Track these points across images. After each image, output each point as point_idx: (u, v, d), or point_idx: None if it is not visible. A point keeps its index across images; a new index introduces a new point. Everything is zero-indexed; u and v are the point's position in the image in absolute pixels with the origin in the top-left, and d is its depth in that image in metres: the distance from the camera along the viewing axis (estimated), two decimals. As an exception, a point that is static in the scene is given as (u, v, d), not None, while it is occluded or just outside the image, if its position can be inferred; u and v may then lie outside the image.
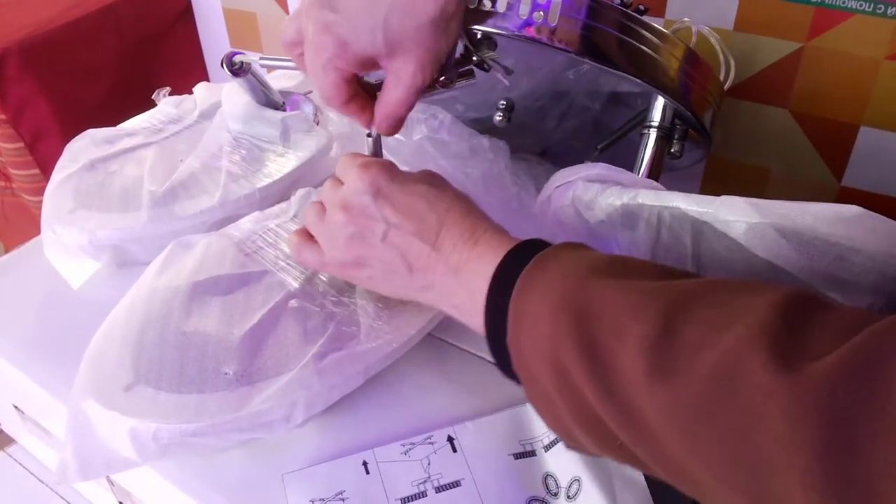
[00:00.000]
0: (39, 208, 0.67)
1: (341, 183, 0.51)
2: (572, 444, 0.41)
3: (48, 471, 0.77)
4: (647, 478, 0.47)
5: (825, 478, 0.27)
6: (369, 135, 0.52)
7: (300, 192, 0.65)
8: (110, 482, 0.61)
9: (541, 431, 0.50)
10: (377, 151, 0.54)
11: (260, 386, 0.49)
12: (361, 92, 0.49)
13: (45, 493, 0.75)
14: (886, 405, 0.26)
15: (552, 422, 0.41)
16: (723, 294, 0.34)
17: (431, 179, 0.50)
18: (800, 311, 0.31)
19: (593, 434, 0.37)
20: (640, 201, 0.51)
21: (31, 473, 0.77)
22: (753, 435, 0.29)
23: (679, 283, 0.36)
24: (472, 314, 0.44)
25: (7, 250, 1.14)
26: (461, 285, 0.45)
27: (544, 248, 0.42)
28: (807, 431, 0.27)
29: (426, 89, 0.48)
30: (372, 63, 0.46)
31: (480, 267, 0.44)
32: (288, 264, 0.58)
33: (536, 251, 0.42)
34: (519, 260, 0.42)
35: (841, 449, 0.27)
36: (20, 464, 0.78)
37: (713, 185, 0.92)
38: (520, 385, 0.42)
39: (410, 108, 0.48)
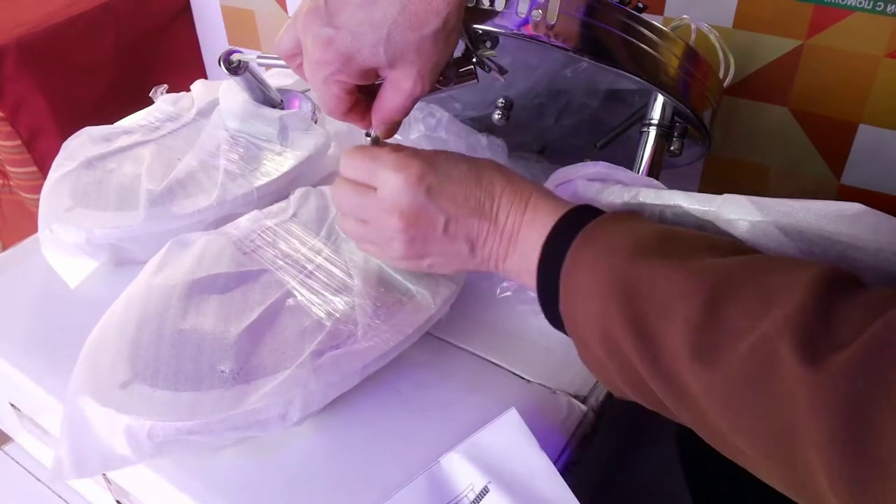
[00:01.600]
0: (37, 206, 0.67)
1: (369, 187, 0.50)
2: (621, 397, 0.45)
3: (45, 469, 0.77)
4: None
5: (843, 458, 0.30)
6: (368, 134, 0.52)
7: (299, 191, 0.65)
8: (107, 481, 0.61)
9: (464, 486, 0.46)
10: None
11: (256, 384, 0.48)
12: (361, 98, 0.49)
13: (42, 492, 0.75)
14: None
15: (604, 380, 0.45)
16: (763, 275, 0.37)
17: (459, 156, 0.51)
18: (831, 293, 0.34)
19: (642, 396, 0.42)
20: (642, 200, 0.50)
21: (28, 472, 0.77)
22: (785, 414, 0.32)
23: (723, 262, 0.38)
24: (524, 276, 0.48)
25: (4, 248, 1.14)
26: (514, 250, 0.48)
27: (592, 216, 0.45)
28: (827, 417, 0.30)
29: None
30: (374, 74, 0.46)
31: (531, 233, 0.47)
32: (286, 263, 0.58)
33: (585, 220, 0.45)
34: (568, 229, 0.45)
35: (857, 433, 0.30)
36: (17, 462, 0.78)
37: (712, 183, 0.92)
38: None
39: (407, 113, 0.49)
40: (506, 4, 0.52)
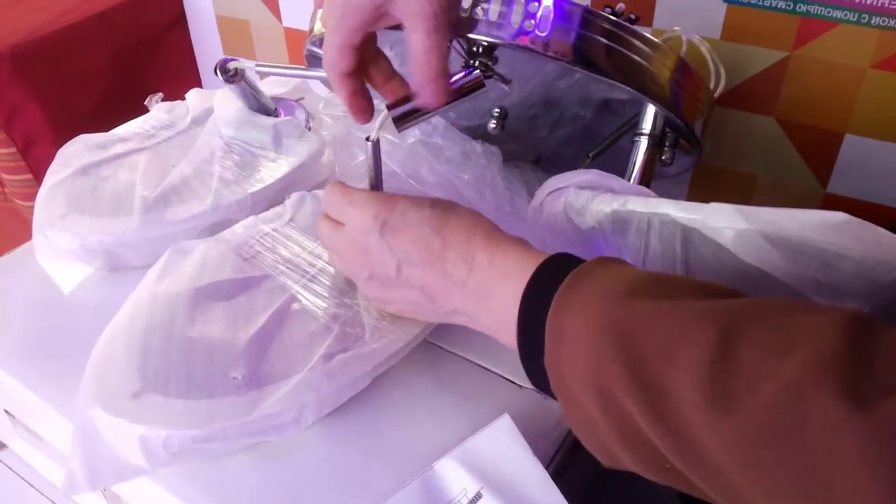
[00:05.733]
0: (32, 214, 0.67)
1: (338, 223, 0.51)
2: (612, 464, 0.40)
3: (38, 475, 0.76)
4: None
5: None
6: (368, 139, 0.52)
7: (295, 195, 0.66)
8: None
9: (457, 491, 0.47)
10: (376, 156, 0.53)
11: (269, 389, 0.49)
12: (365, 90, 0.49)
13: (35, 498, 0.75)
14: None
15: (592, 444, 0.40)
16: (779, 315, 0.33)
17: (430, 200, 0.49)
18: (863, 335, 0.30)
19: (640, 457, 0.37)
20: (630, 208, 0.51)
21: (22, 478, 0.77)
22: (823, 470, 0.28)
23: (729, 302, 0.35)
24: (502, 334, 0.44)
25: (-2, 255, 1.14)
26: (486, 306, 0.45)
27: (573, 263, 0.41)
28: (882, 469, 0.26)
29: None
30: (383, 14, 0.45)
31: (504, 287, 0.43)
32: (288, 268, 0.59)
33: (567, 267, 0.41)
34: (549, 278, 0.41)
35: None
36: (10, 468, 0.78)
37: (700, 191, 0.92)
38: (556, 399, 0.41)
39: (441, 55, 0.45)
40: (499, 15, 0.53)
